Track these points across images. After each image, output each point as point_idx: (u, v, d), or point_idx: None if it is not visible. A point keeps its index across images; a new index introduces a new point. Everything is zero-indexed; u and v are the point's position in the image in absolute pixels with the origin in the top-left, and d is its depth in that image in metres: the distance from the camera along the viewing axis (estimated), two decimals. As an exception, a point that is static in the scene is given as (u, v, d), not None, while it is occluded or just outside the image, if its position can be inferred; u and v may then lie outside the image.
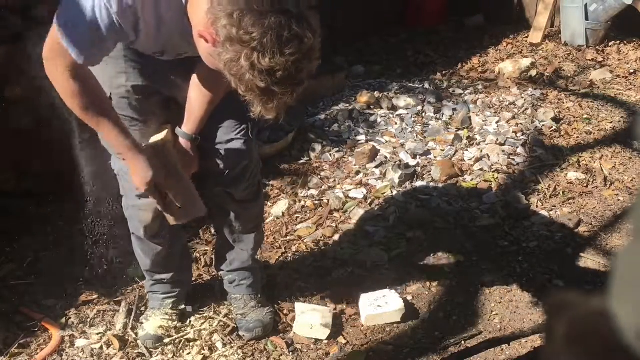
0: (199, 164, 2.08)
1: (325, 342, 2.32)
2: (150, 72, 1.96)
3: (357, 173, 3.34)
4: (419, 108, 3.91)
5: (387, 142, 3.60)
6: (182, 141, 2.04)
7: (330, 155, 3.48)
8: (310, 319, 2.34)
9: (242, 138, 2.08)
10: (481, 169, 3.34)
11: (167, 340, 2.33)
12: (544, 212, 3.01)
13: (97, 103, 1.75)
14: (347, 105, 3.92)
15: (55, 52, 1.64)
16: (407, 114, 3.85)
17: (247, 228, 2.31)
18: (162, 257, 2.29)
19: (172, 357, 2.28)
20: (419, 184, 3.23)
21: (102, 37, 1.62)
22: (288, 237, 2.89)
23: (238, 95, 2.05)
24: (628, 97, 4.13)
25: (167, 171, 1.90)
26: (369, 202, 3.10)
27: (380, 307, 2.39)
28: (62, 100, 1.73)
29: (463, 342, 2.31)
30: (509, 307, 2.47)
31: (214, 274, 2.61)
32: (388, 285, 2.53)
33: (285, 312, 2.46)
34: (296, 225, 2.97)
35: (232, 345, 2.32)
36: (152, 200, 2.00)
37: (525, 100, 4.01)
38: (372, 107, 3.93)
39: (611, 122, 3.80)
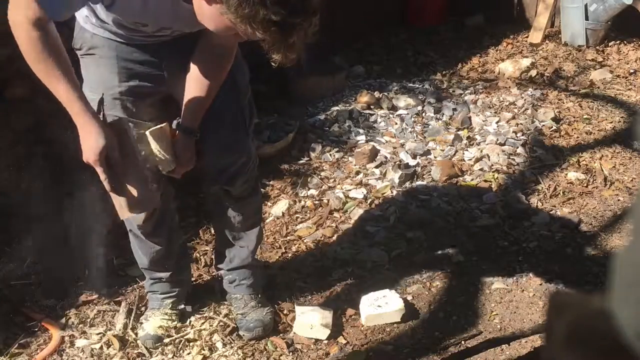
0: (195, 161, 2.06)
1: (325, 342, 2.32)
2: (144, 72, 1.95)
3: (357, 173, 3.34)
4: (419, 108, 3.91)
5: (387, 142, 3.60)
6: (181, 135, 1.99)
7: (330, 155, 3.48)
8: (310, 319, 2.34)
9: (239, 134, 2.08)
10: (481, 169, 3.34)
11: (167, 340, 2.33)
12: (544, 212, 3.01)
13: (54, 55, 1.64)
14: (347, 105, 3.92)
15: (20, 2, 1.58)
16: (407, 114, 3.85)
17: (246, 225, 2.31)
18: (160, 255, 2.29)
19: (172, 357, 2.28)
20: (419, 184, 3.23)
21: None
22: (288, 237, 2.89)
23: (234, 92, 2.06)
24: (628, 97, 4.12)
25: (124, 151, 1.77)
26: (369, 202, 3.10)
27: (380, 307, 2.39)
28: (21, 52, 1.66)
29: (463, 342, 2.31)
30: (509, 307, 2.47)
31: (214, 273, 2.61)
32: (388, 285, 2.53)
33: (285, 312, 2.46)
34: (296, 225, 2.97)
35: (232, 345, 2.32)
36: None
37: (525, 100, 4.01)
38: (372, 107, 3.93)
39: (611, 122, 3.80)
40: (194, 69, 1.93)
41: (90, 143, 1.72)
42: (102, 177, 1.77)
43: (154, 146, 1.93)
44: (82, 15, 1.86)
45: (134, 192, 1.81)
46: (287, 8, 1.41)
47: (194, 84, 1.94)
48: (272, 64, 1.54)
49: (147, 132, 1.91)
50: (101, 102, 1.90)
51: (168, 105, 2.07)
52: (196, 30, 1.83)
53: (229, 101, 2.05)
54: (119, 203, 1.84)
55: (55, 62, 1.64)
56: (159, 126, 1.95)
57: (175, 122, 1.99)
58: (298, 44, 1.50)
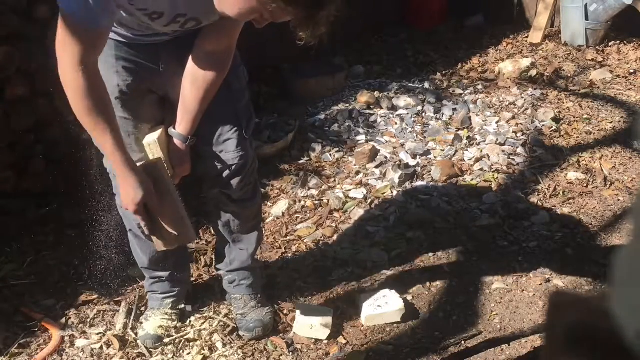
0: (194, 165, 2.06)
1: (325, 342, 2.32)
2: (142, 70, 1.95)
3: (357, 173, 3.34)
4: (419, 108, 3.91)
5: (387, 142, 3.60)
6: (176, 142, 2.00)
7: (330, 155, 3.48)
8: (310, 319, 2.34)
9: (237, 138, 2.07)
10: (481, 169, 3.34)
11: (167, 340, 2.33)
12: (544, 212, 3.01)
13: (101, 106, 1.71)
14: (347, 105, 3.92)
15: (65, 37, 1.61)
16: (407, 114, 3.85)
17: (245, 228, 2.30)
18: (160, 255, 2.28)
19: (172, 357, 2.28)
20: (419, 184, 3.23)
21: None
22: (288, 237, 2.89)
23: (231, 96, 2.05)
24: (628, 97, 4.12)
25: (160, 193, 1.84)
26: (369, 202, 3.10)
27: (380, 307, 2.39)
28: (67, 101, 1.70)
29: (463, 342, 2.31)
30: (509, 307, 2.47)
31: (214, 274, 2.61)
32: (388, 285, 2.53)
33: (285, 312, 2.46)
34: (296, 225, 2.97)
35: (232, 345, 2.32)
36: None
37: (525, 100, 4.01)
38: (372, 107, 3.93)
39: (611, 122, 3.80)
40: (190, 73, 1.93)
41: (130, 194, 1.81)
42: (142, 223, 1.87)
43: (159, 152, 1.95)
44: None
45: (171, 230, 1.89)
46: None
47: (190, 90, 1.94)
48: (298, 42, 1.54)
49: (156, 139, 1.93)
50: None
51: (166, 105, 2.07)
52: (199, 28, 1.83)
53: (225, 105, 2.04)
54: (157, 240, 1.92)
55: (101, 112, 1.71)
56: (158, 131, 1.96)
57: (170, 128, 2.00)
58: (325, 20, 1.51)
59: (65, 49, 1.63)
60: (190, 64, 1.92)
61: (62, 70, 1.67)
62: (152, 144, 1.95)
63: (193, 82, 1.93)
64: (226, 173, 2.10)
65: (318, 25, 1.51)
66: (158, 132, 1.96)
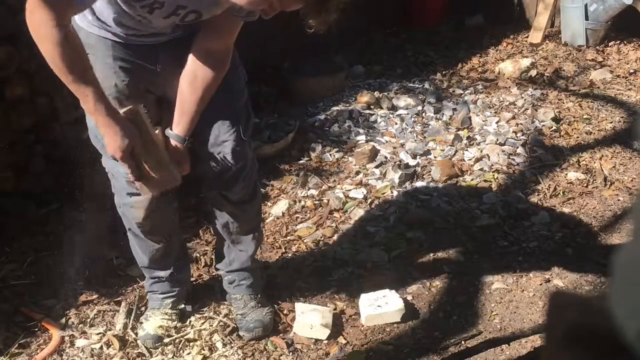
0: (192, 166, 2.04)
1: (325, 342, 2.32)
2: (140, 71, 1.95)
3: (357, 173, 3.34)
4: (419, 108, 3.91)
5: (387, 142, 3.60)
6: (174, 143, 1.99)
7: (330, 155, 3.48)
8: (310, 319, 2.34)
9: (235, 140, 2.06)
10: (481, 169, 3.34)
11: (167, 340, 2.32)
12: (544, 212, 3.01)
13: (77, 58, 1.65)
14: (347, 105, 3.92)
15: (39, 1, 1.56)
16: (407, 114, 3.85)
17: (245, 229, 2.30)
18: (160, 254, 2.28)
19: (172, 357, 2.28)
20: (419, 184, 3.23)
21: None
22: (288, 237, 2.89)
23: (229, 96, 2.05)
24: (628, 97, 4.12)
25: (143, 139, 1.84)
26: (369, 202, 3.10)
27: (380, 307, 2.39)
28: (45, 58, 1.63)
29: (463, 342, 2.31)
30: (509, 307, 2.47)
31: (214, 274, 2.61)
32: (388, 285, 2.53)
33: (285, 312, 2.46)
34: (296, 225, 2.97)
35: (232, 345, 2.32)
36: (143, 198, 1.99)
37: (525, 100, 4.01)
38: (372, 107, 3.93)
39: (611, 122, 3.80)
40: (188, 74, 1.92)
41: (117, 141, 1.77)
42: (129, 170, 1.84)
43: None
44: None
45: (156, 174, 1.89)
46: None
47: (188, 90, 1.93)
48: (308, 30, 1.53)
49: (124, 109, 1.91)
50: None
51: (163, 105, 2.07)
52: (196, 28, 1.83)
53: (223, 106, 2.03)
54: (143, 186, 1.92)
55: (80, 65, 1.66)
56: (155, 131, 1.95)
57: (167, 129, 1.99)
58: (335, 7, 1.50)
59: (41, 7, 1.56)
60: (189, 64, 1.91)
61: (34, 24, 1.59)
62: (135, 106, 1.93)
63: (191, 82, 1.92)
64: (224, 175, 2.09)
65: (328, 12, 1.50)
66: (157, 129, 1.96)
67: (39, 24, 1.58)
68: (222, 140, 2.05)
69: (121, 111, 1.82)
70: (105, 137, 1.79)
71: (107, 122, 1.75)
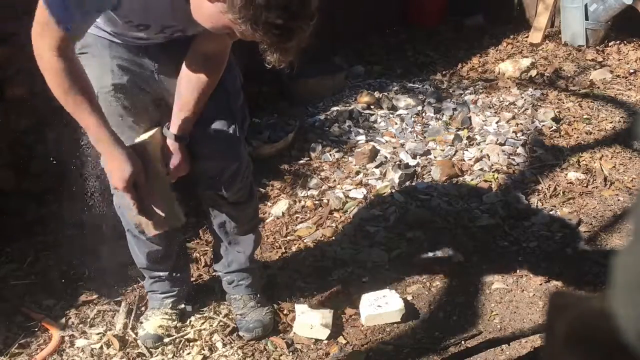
0: (188, 167, 2.05)
1: (325, 342, 2.32)
2: (137, 70, 1.95)
3: (357, 173, 3.34)
4: (419, 108, 3.91)
5: (387, 142, 3.60)
6: (170, 142, 1.98)
7: (330, 155, 3.48)
8: (310, 319, 2.34)
9: (231, 140, 2.06)
10: (481, 169, 3.34)
11: (167, 340, 2.33)
12: (544, 212, 3.01)
13: (79, 86, 1.68)
14: (347, 105, 3.92)
15: (43, 27, 1.61)
16: (407, 114, 3.85)
17: (242, 230, 2.29)
18: (159, 255, 2.28)
19: (172, 357, 2.28)
20: (419, 184, 3.23)
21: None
22: (288, 237, 2.89)
23: (225, 97, 2.05)
24: (628, 97, 4.13)
25: (148, 173, 1.83)
26: (369, 202, 3.10)
27: (380, 307, 2.39)
28: (45, 81, 1.67)
29: (463, 342, 2.31)
30: (509, 307, 2.47)
31: (214, 274, 2.61)
32: (388, 285, 2.54)
33: (285, 312, 2.46)
34: (296, 225, 2.97)
35: (232, 345, 2.32)
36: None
37: (525, 100, 4.01)
38: (372, 107, 3.93)
39: (611, 122, 3.80)
40: (185, 75, 1.92)
41: (119, 171, 1.78)
42: (131, 202, 1.84)
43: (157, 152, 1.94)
44: None
45: (160, 211, 1.87)
46: (289, 12, 1.43)
47: (185, 90, 1.93)
48: (266, 65, 1.54)
49: (149, 139, 1.92)
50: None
51: (160, 105, 2.07)
52: (191, 34, 1.83)
53: (219, 107, 2.03)
54: (146, 222, 1.90)
55: (80, 92, 1.68)
56: (153, 131, 1.95)
57: (164, 128, 1.99)
58: (294, 48, 1.51)
59: (43, 38, 1.62)
60: (186, 64, 1.91)
61: (38, 54, 1.65)
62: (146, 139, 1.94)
63: (188, 83, 1.93)
64: (220, 176, 2.09)
65: (287, 54, 1.51)
66: (153, 132, 1.96)
67: (40, 54, 1.64)
68: (218, 140, 2.05)
69: (134, 141, 1.84)
70: (108, 167, 1.82)
71: (110, 152, 1.78)
